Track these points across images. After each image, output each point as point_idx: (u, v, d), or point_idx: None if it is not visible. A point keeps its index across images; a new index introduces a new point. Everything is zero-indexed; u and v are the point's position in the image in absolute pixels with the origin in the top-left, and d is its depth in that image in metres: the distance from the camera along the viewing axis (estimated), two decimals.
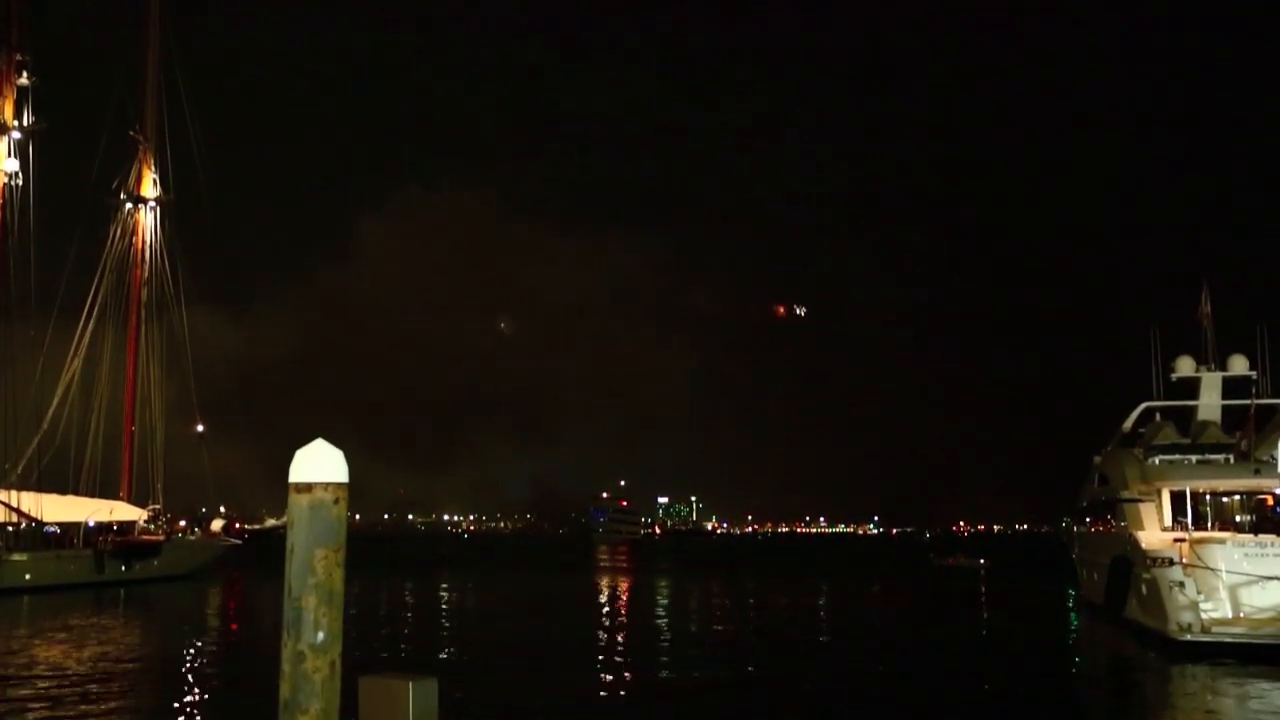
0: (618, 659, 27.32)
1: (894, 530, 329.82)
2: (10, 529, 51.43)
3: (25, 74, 55.50)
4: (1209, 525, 33.63)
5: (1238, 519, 34.04)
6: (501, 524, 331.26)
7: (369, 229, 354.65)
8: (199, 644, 30.37)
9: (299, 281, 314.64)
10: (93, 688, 21.05)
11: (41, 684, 21.48)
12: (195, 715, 18.87)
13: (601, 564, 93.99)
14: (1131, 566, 32.14)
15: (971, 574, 76.40)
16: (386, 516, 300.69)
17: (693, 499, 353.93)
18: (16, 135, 55.05)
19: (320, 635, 6.99)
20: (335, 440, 7.34)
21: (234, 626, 37.49)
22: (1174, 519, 33.60)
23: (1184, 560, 29.00)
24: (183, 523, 66.21)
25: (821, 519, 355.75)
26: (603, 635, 33.34)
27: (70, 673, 23.13)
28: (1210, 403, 39.44)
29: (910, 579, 71.42)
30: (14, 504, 51.63)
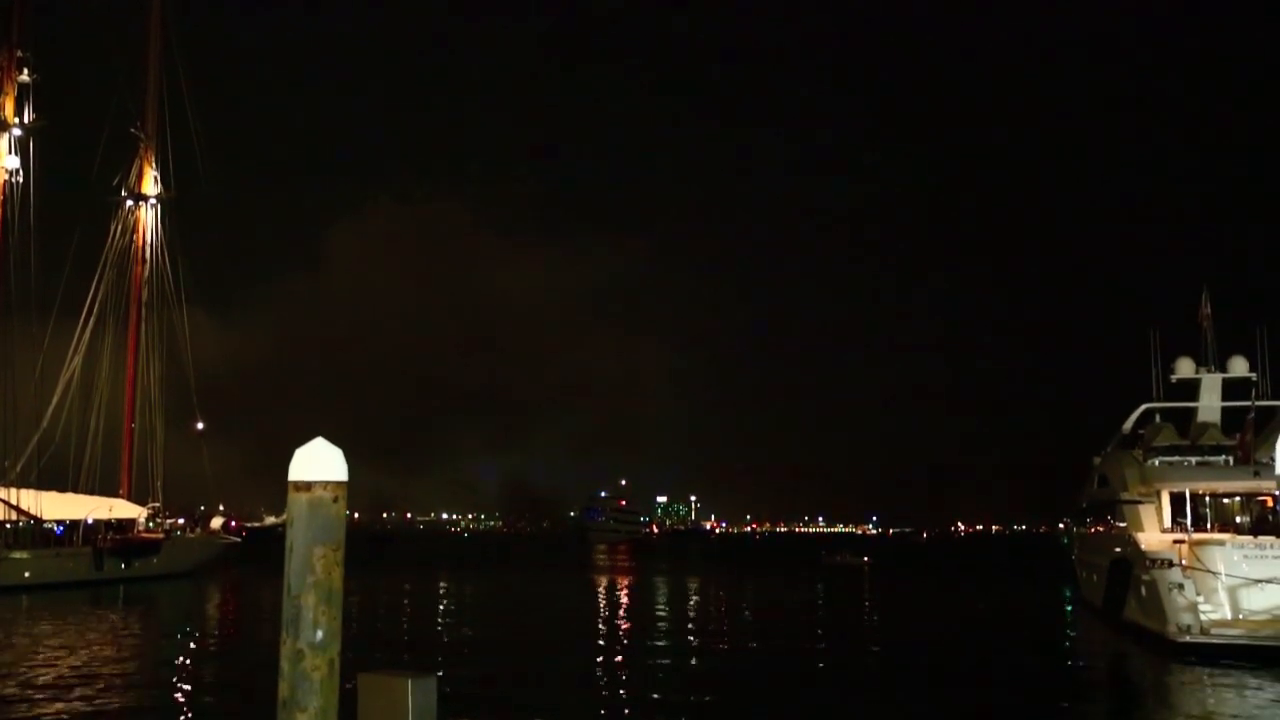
0: (617, 657, 27.30)
1: (891, 530, 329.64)
2: (10, 527, 51.43)
3: (26, 71, 55.50)
4: (1209, 527, 33.62)
5: (1237, 521, 34.04)
6: (500, 524, 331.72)
7: (343, 236, 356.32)
8: (198, 642, 30.35)
9: (271, 286, 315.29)
10: (91, 686, 21.04)
11: (39, 682, 21.46)
12: (194, 713, 18.85)
13: (601, 563, 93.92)
14: (1131, 568, 32.14)
15: (855, 571, 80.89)
16: (386, 515, 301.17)
17: (692, 498, 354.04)
18: (17, 132, 55.08)
19: (319, 634, 6.98)
20: (327, 440, 7.34)
21: (233, 625, 37.46)
22: (1173, 520, 33.60)
23: (1183, 562, 29.00)
24: (182, 520, 66.21)
25: (820, 519, 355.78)
26: (602, 634, 33.32)
27: (69, 671, 23.12)
28: (1210, 404, 39.41)
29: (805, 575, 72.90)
30: (13, 502, 51.64)
